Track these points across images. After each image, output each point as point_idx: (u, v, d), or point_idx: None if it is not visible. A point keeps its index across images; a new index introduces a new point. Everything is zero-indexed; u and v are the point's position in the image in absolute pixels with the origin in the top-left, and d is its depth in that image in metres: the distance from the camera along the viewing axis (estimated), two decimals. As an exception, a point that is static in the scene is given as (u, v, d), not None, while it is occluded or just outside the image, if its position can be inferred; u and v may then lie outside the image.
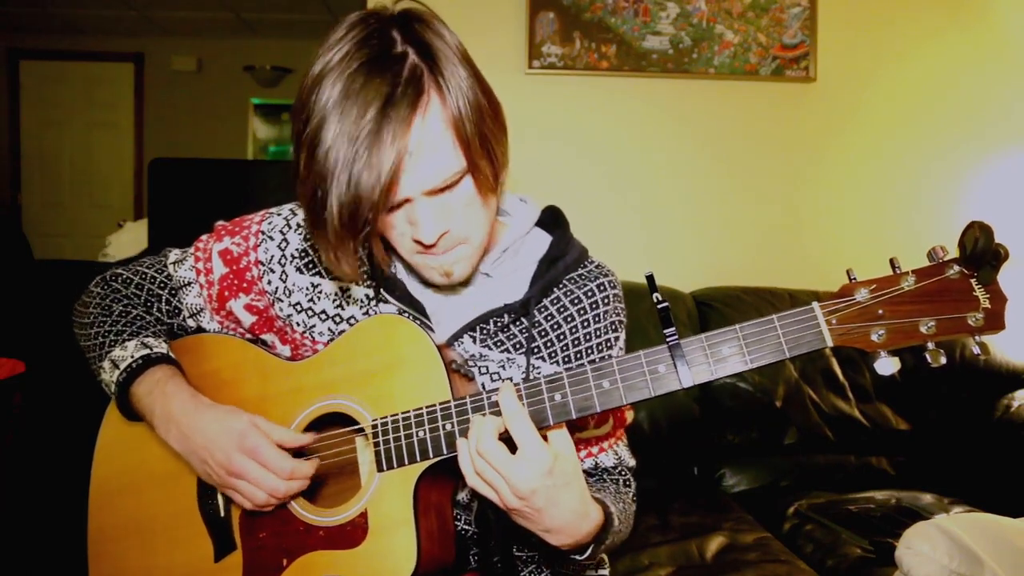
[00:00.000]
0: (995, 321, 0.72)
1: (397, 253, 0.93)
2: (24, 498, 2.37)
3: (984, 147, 2.56)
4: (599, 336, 1.01)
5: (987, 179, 2.56)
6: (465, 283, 1.01)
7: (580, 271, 1.03)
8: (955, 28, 2.54)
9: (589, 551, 0.88)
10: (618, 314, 1.03)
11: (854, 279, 0.76)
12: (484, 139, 0.84)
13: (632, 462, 1.13)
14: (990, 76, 2.55)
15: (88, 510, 1.06)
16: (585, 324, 1.00)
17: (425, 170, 0.81)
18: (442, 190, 0.84)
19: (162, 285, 1.08)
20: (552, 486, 0.78)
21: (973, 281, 0.72)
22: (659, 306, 0.80)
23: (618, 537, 0.96)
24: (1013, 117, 2.56)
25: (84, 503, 1.07)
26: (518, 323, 0.99)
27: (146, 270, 1.09)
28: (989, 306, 0.72)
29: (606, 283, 1.02)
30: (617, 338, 1.04)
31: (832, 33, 2.48)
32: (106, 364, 1.01)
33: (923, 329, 0.73)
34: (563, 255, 1.02)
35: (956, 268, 0.73)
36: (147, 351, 1.00)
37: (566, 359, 1.00)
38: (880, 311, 0.74)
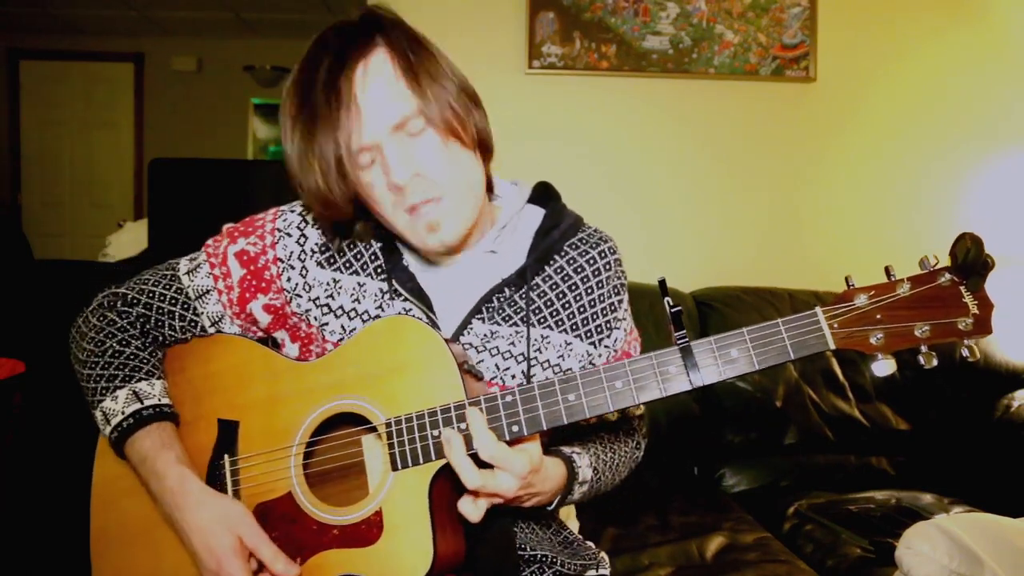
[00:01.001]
0: (983, 326, 0.77)
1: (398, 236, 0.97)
2: (24, 498, 2.37)
3: (984, 147, 2.56)
4: (603, 301, 1.05)
5: (987, 179, 2.55)
6: (469, 264, 1.03)
7: (580, 235, 1.07)
8: (955, 28, 2.54)
9: (555, 503, 0.96)
10: (620, 278, 1.07)
11: (852, 285, 0.80)
12: (439, 89, 0.91)
13: (639, 412, 1.16)
14: (990, 76, 2.55)
15: (90, 511, 1.05)
16: (589, 291, 1.04)
17: (380, 107, 0.88)
18: (402, 126, 0.89)
19: (173, 301, 1.04)
20: (532, 481, 0.86)
21: (963, 289, 0.77)
22: (672, 310, 0.83)
23: (599, 483, 1.04)
24: (1013, 117, 2.56)
25: (86, 501, 1.06)
26: (521, 295, 1.02)
27: (153, 288, 1.05)
28: (977, 312, 0.77)
29: (607, 249, 1.06)
30: (621, 301, 1.07)
31: (832, 33, 2.48)
32: (98, 414, 0.98)
33: (918, 333, 0.78)
34: (557, 224, 1.05)
35: (947, 276, 0.78)
36: (138, 406, 0.96)
37: (573, 327, 1.03)
38: (878, 316, 0.79)
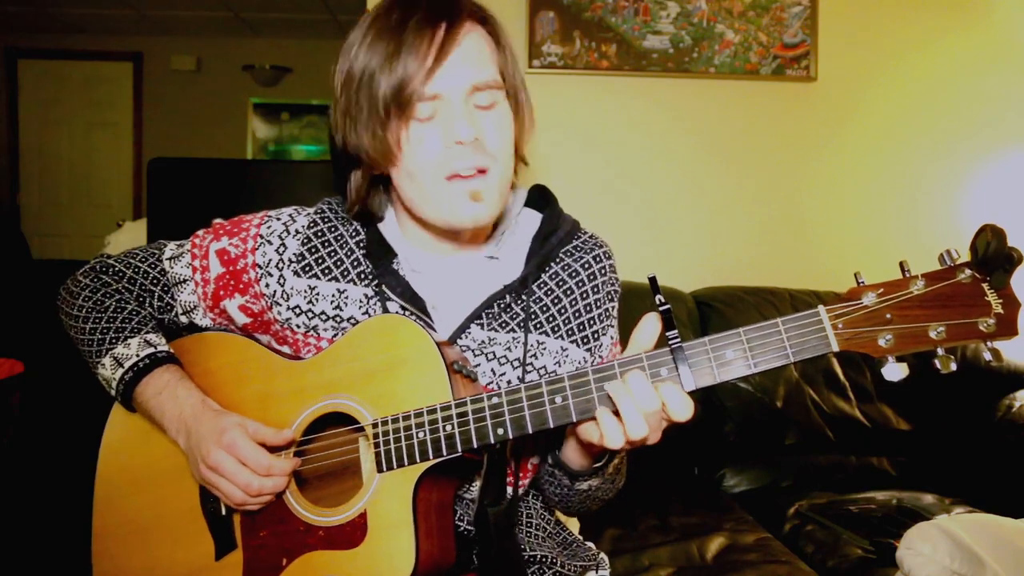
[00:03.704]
0: (1008, 327, 0.70)
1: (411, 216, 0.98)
2: (23, 497, 2.36)
3: (984, 146, 2.55)
4: (599, 307, 1.04)
5: (987, 179, 2.55)
6: (466, 268, 1.02)
7: (575, 243, 1.06)
8: (956, 28, 2.54)
9: (585, 474, 0.96)
10: (613, 284, 1.07)
11: (862, 282, 0.74)
12: (521, 90, 0.96)
13: None
14: (991, 75, 2.55)
15: (93, 507, 1.06)
16: (584, 296, 1.03)
17: (468, 65, 0.89)
18: (480, 89, 0.89)
19: (155, 281, 1.07)
20: None
21: (985, 285, 0.70)
22: (661, 308, 0.79)
23: (602, 490, 1.03)
24: (1013, 117, 2.56)
25: (84, 501, 1.07)
26: (519, 301, 1.01)
27: (139, 263, 1.09)
28: (1002, 311, 0.69)
29: (601, 254, 1.06)
30: (614, 307, 1.07)
31: (833, 32, 2.47)
32: (107, 360, 1.01)
33: (932, 334, 0.71)
34: (555, 230, 1.04)
35: (968, 272, 0.71)
36: (152, 350, 1.00)
37: (569, 332, 1.02)
38: (888, 315, 0.72)
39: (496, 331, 1.00)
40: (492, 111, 0.91)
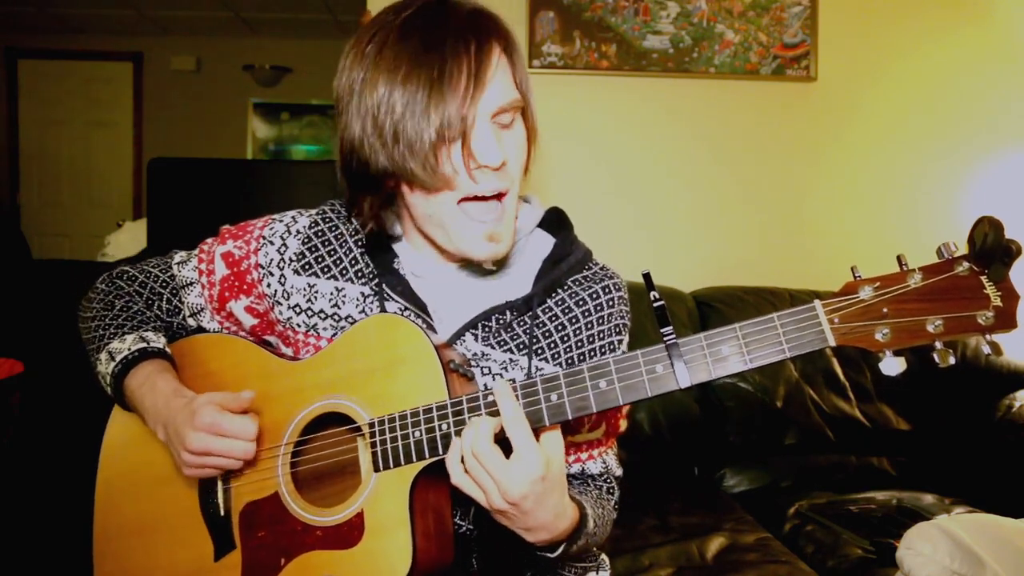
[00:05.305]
0: (1006, 320, 0.69)
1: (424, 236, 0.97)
2: (23, 497, 2.36)
3: (985, 146, 2.56)
4: (603, 339, 1.01)
5: (988, 179, 2.55)
6: (466, 278, 1.02)
7: (585, 272, 1.04)
8: (956, 27, 2.54)
9: (560, 549, 0.88)
10: (622, 317, 1.04)
11: (858, 276, 0.73)
12: (532, 104, 0.95)
13: (619, 472, 1.12)
14: (991, 75, 2.55)
15: (94, 509, 1.07)
16: (589, 326, 1.01)
17: (496, 89, 0.87)
18: (503, 112, 0.88)
19: (164, 284, 1.10)
20: (542, 492, 0.79)
21: (983, 278, 0.69)
22: (655, 304, 0.79)
23: (592, 540, 0.96)
24: (1013, 116, 2.56)
25: (85, 502, 1.08)
26: (521, 322, 1.00)
27: (151, 269, 1.12)
28: (1000, 304, 0.68)
29: (611, 285, 1.03)
30: (621, 341, 1.04)
31: (833, 32, 2.47)
32: (103, 355, 1.02)
33: (930, 328, 0.70)
34: (567, 256, 1.02)
35: (966, 265, 0.70)
36: (144, 344, 1.01)
37: (569, 361, 1.00)
38: (885, 309, 0.71)
39: (492, 347, 0.99)
40: (512, 130, 0.91)
